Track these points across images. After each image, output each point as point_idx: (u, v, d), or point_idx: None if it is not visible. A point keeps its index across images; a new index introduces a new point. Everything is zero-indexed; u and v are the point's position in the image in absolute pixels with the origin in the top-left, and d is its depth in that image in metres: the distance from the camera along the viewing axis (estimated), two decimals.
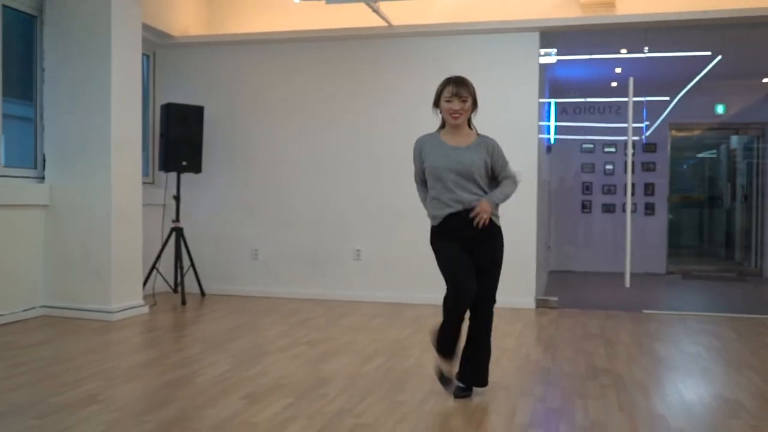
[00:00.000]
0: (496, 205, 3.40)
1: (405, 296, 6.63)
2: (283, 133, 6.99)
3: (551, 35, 6.46)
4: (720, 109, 9.53)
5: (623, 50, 7.19)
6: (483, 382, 3.53)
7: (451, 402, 3.42)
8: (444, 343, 3.45)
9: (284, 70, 7.01)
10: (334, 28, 6.73)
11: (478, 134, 3.48)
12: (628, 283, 6.19)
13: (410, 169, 6.62)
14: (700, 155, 12.24)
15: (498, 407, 3.35)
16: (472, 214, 3.31)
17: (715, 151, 11.78)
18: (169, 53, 7.20)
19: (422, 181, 3.59)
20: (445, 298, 3.43)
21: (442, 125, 3.51)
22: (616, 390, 3.64)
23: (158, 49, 7.14)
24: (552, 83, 8.15)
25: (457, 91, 3.34)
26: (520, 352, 4.61)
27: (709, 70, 7.79)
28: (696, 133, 10.96)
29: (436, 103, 3.44)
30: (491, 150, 3.42)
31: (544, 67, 6.63)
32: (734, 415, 3.22)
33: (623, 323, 5.68)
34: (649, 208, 9.78)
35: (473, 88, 3.40)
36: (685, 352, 4.63)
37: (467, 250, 3.38)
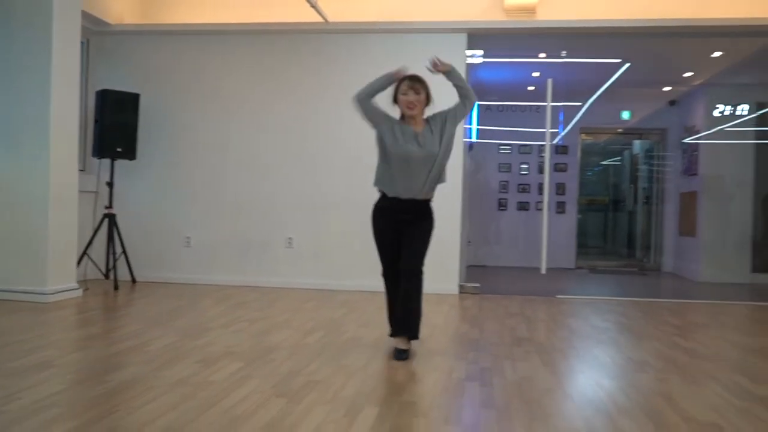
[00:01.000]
0: (451, 70, 3.83)
1: (335, 283, 6.88)
2: (219, 123, 7.13)
3: (478, 37, 6.87)
4: (626, 115, 10.25)
5: (542, 54, 7.69)
6: (415, 333, 3.93)
7: (392, 363, 3.71)
8: (390, 313, 4.13)
9: (221, 61, 7.15)
10: (271, 22, 6.94)
11: (425, 119, 3.88)
12: (544, 270, 6.66)
13: (342, 161, 6.98)
14: (605, 161, 13.06)
15: (436, 366, 3.66)
16: (417, 221, 3.87)
17: (620, 157, 12.60)
18: (104, 40, 7.22)
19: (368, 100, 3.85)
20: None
21: (402, 117, 3.88)
22: (539, 354, 4.02)
23: (93, 35, 7.15)
24: (474, 86, 8.58)
25: (411, 85, 3.75)
26: (449, 328, 4.96)
27: (618, 78, 8.41)
28: (603, 137, 11.69)
29: (394, 99, 3.82)
30: (444, 117, 3.83)
31: (469, 69, 7.04)
32: (642, 370, 3.65)
33: (540, 305, 6.13)
34: (560, 207, 10.39)
35: (427, 85, 3.82)
36: (595, 326, 5.08)
37: (400, 229, 3.87)
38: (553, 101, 9.08)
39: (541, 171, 10.28)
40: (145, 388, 3.07)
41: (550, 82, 6.75)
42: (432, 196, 3.90)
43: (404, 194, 3.78)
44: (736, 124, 8.90)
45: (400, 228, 3.85)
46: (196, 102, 7.16)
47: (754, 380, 3.48)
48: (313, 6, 6.24)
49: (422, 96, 3.76)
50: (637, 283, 8.86)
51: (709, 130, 9.01)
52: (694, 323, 5.33)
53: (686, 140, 9.58)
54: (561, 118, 9.04)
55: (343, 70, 6.94)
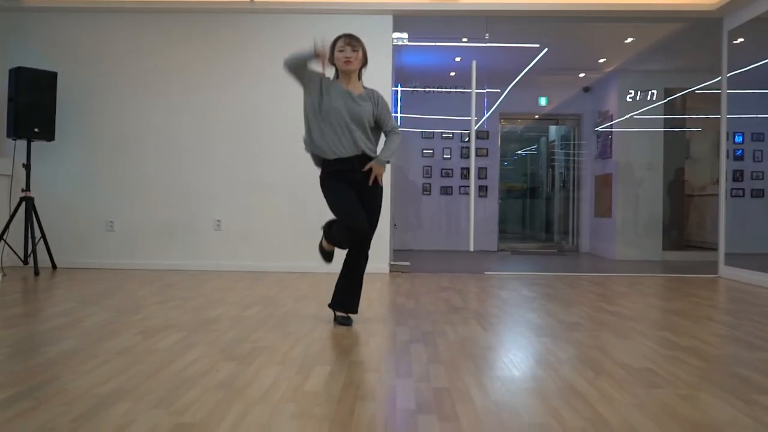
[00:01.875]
0: (386, 163, 3.84)
1: (265, 265, 6.85)
2: (142, 104, 6.96)
3: (403, 19, 6.96)
4: (543, 101, 10.59)
5: (464, 38, 7.85)
6: (355, 309, 4.02)
7: (336, 330, 3.74)
8: (335, 238, 3.94)
9: (143, 40, 6.98)
10: (194, 0, 6.82)
11: (364, 87, 3.88)
12: (472, 247, 6.82)
13: (270, 141, 6.94)
14: (523, 150, 13.43)
15: (379, 332, 3.72)
16: (369, 176, 3.75)
17: (536, 145, 12.98)
18: (17, 17, 6.92)
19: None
20: (333, 231, 3.90)
21: (336, 76, 3.84)
22: (476, 319, 4.14)
23: (3, 12, 6.84)
24: (397, 70, 8.69)
25: (349, 41, 3.73)
26: (385, 300, 5.02)
27: (536, 65, 8.69)
28: (522, 123, 12.03)
29: (330, 57, 3.73)
30: (377, 100, 3.82)
31: (394, 52, 7.12)
32: (576, 329, 3.81)
33: (470, 280, 6.28)
34: (482, 191, 10.63)
35: (363, 44, 3.80)
36: (525, 296, 5.26)
37: (355, 191, 3.76)
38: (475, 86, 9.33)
39: (463, 156, 10.52)
40: (87, 357, 3.00)
41: (474, 64, 6.90)
42: (374, 153, 3.81)
43: (346, 151, 3.68)
44: (646, 110, 9.34)
45: (352, 185, 3.76)
46: (118, 82, 6.96)
47: (677, 334, 3.69)
48: None
49: (359, 54, 3.74)
50: (558, 262, 9.18)
51: (622, 115, 9.42)
52: (615, 292, 5.58)
53: (599, 129, 9.99)
54: (486, 104, 9.24)
55: (266, 50, 6.90)
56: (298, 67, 3.65)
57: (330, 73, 3.81)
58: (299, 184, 6.84)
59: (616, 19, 7.01)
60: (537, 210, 13.11)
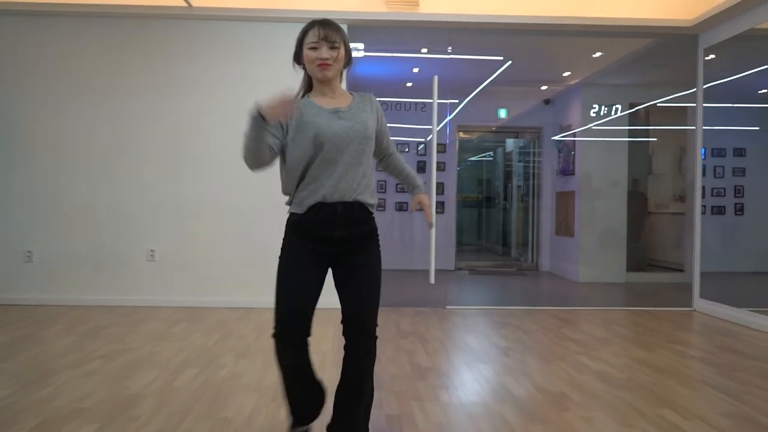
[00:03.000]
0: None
1: (205, 300, 6.18)
2: (64, 118, 6.20)
3: (358, 29, 6.37)
4: (502, 113, 10.12)
5: (424, 49, 7.31)
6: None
7: (281, 415, 3.13)
8: (291, 400, 2.62)
9: (67, 47, 6.22)
10: (127, 3, 6.09)
11: (351, 92, 2.60)
12: (432, 280, 6.27)
13: (211, 161, 6.26)
14: (482, 157, 13.00)
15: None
16: (426, 213, 2.68)
17: (492, 153, 12.55)
18: None
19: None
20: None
21: (308, 88, 2.56)
22: (447, 390, 3.57)
23: None
24: (351, 81, 8.10)
25: (325, 34, 2.41)
26: (339, 354, 4.41)
27: (497, 76, 8.20)
28: (480, 135, 11.56)
29: (297, 57, 2.52)
30: (377, 109, 2.58)
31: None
32: (565, 406, 3.28)
33: (432, 319, 5.73)
34: (439, 207, 10.11)
35: (346, 35, 2.52)
36: (496, 345, 4.72)
37: (327, 261, 2.47)
38: (431, 98, 8.80)
39: (419, 170, 9.98)
40: None
41: (436, 79, 6.35)
42: (372, 201, 2.52)
43: (330, 196, 2.40)
44: (609, 123, 8.95)
45: (329, 259, 2.46)
46: (37, 93, 6.19)
47: (680, 412, 3.20)
48: None
49: (340, 52, 2.45)
50: (520, 285, 8.72)
51: (587, 132, 9.00)
52: (593, 337, 5.09)
53: (556, 137, 9.58)
54: (449, 115, 8.72)
55: (208, 61, 6.24)
56: (259, 146, 2.34)
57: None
58: (244, 206, 6.20)
59: (587, 34, 6.55)
60: (493, 221, 12.68)
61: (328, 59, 2.42)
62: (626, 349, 4.63)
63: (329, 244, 2.43)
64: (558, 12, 6.25)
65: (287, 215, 2.49)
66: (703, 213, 9.28)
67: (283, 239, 2.48)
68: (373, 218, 2.54)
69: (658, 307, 6.55)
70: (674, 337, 5.09)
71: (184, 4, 5.94)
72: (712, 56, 6.53)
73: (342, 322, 2.47)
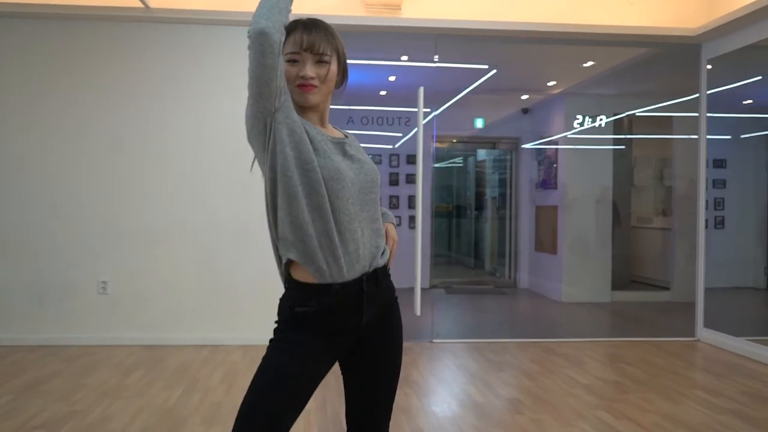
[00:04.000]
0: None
1: (164, 337, 5.51)
2: (2, 133, 5.47)
3: None
4: (479, 123, 9.61)
5: (404, 57, 6.76)
6: None
7: None
8: None
9: (11, 52, 5.49)
10: (76, 4, 5.39)
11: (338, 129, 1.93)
12: (419, 311, 5.70)
13: (170, 182, 5.58)
14: (451, 164, 12.50)
15: None
16: (392, 247, 1.90)
17: (462, 159, 12.06)
18: None
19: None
20: None
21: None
22: None
23: None
24: None
25: (310, 43, 1.73)
26: (326, 412, 3.82)
27: (478, 84, 7.68)
28: (453, 145, 11.06)
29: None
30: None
31: None
32: None
33: (420, 357, 5.17)
34: (413, 222, 9.55)
35: (341, 42, 1.82)
36: (501, 396, 4.17)
37: (339, 355, 1.80)
38: (404, 107, 8.24)
39: (391, 183, 9.43)
40: None
41: (421, 90, 5.79)
42: (386, 261, 1.86)
43: (353, 268, 1.72)
44: (593, 134, 8.51)
45: (340, 353, 1.80)
46: None
47: None
48: None
49: (331, 66, 1.77)
50: (504, 308, 8.26)
51: (567, 140, 8.55)
52: (603, 381, 4.59)
53: (527, 145, 9.12)
54: (436, 125, 8.18)
55: (167, 68, 5.59)
56: (273, 53, 1.59)
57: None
58: (207, 230, 5.54)
59: (584, 42, 6.06)
60: (464, 232, 12.19)
61: (312, 79, 1.73)
62: (648, 400, 4.12)
63: (348, 334, 1.77)
64: (553, 19, 5.75)
65: (285, 292, 1.78)
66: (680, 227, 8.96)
67: (278, 333, 1.75)
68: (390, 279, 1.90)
69: (660, 336, 6.08)
70: (693, 381, 4.61)
71: (140, 6, 5.26)
72: (709, 67, 6.13)
73: (348, 419, 1.86)
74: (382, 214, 1.92)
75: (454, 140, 10.64)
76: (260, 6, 1.62)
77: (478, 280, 10.34)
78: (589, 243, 8.52)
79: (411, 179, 9.50)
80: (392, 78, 7.48)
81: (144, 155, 5.56)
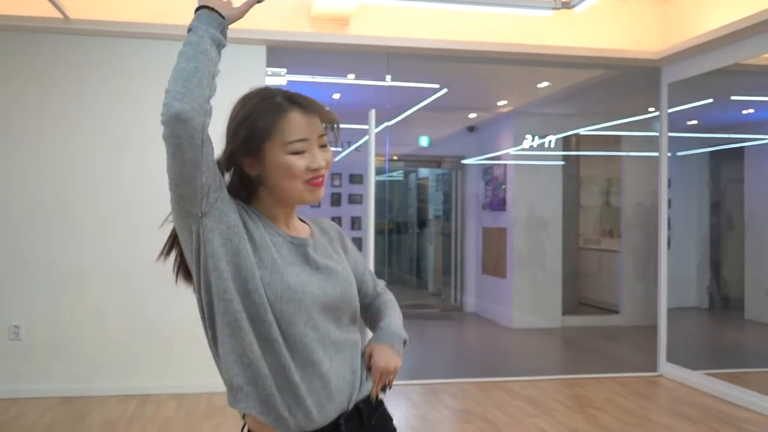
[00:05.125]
0: (402, 347, 1.55)
1: (85, 387, 4.90)
2: None
3: (280, 51, 5.33)
4: (424, 141, 9.26)
5: (351, 75, 6.35)
6: None
7: None
8: None
9: None
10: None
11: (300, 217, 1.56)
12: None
13: (91, 213, 4.98)
14: (389, 177, 12.13)
15: None
16: (373, 376, 1.45)
17: (401, 174, 11.72)
18: None
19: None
20: None
21: (246, 198, 1.45)
22: None
23: None
24: None
25: (316, 127, 1.40)
26: None
27: (427, 103, 7.34)
28: (398, 163, 10.69)
29: (233, 156, 1.38)
30: (346, 241, 1.61)
31: None
32: None
33: None
34: (357, 243, 9.12)
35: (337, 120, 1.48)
36: None
37: None
38: (346, 124, 7.82)
39: (333, 203, 8.99)
40: None
41: (373, 112, 5.36)
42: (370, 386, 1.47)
43: (323, 409, 1.34)
44: (543, 154, 8.28)
45: None
46: None
47: None
48: None
49: (330, 154, 1.45)
50: (453, 337, 7.94)
51: (516, 159, 8.29)
52: (570, 429, 4.25)
53: (468, 161, 8.84)
54: (388, 145, 7.77)
55: (89, 85, 5.01)
56: (204, 63, 1.25)
57: None
58: (132, 270, 4.95)
59: (540, 63, 5.78)
60: (404, 250, 11.84)
61: (322, 168, 1.40)
62: None
63: None
64: (508, 39, 5.42)
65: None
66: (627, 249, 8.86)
67: None
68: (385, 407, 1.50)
69: (621, 372, 5.80)
70: (651, 420, 4.33)
71: (60, 16, 4.66)
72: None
73: None
74: (378, 329, 1.50)
75: (395, 157, 10.29)
76: (172, 79, 1.23)
77: (422, 303, 9.97)
78: (539, 266, 8.27)
79: (354, 199, 9.10)
80: (336, 96, 7.04)
81: (61, 184, 4.94)
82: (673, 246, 6.93)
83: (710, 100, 6.30)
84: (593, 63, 5.72)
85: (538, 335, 7.64)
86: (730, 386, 5.00)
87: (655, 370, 5.81)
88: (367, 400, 1.42)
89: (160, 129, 1.22)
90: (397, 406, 4.76)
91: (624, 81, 6.36)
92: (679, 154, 6.71)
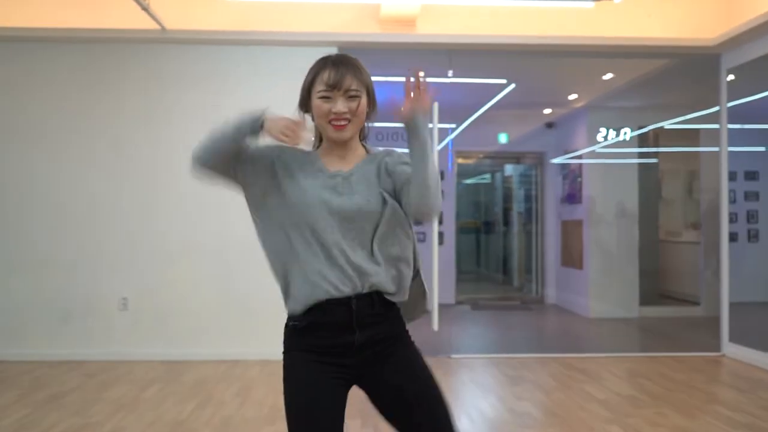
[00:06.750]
0: (420, 128, 1.75)
1: (183, 353, 5.58)
2: (20, 153, 5.64)
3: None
4: (503, 138, 9.58)
5: (421, 73, 6.78)
6: None
7: None
8: None
9: (31, 75, 5.67)
10: (92, 27, 5.54)
11: (369, 151, 1.95)
12: (436, 326, 5.68)
13: (187, 199, 5.68)
14: (480, 180, 12.48)
15: None
16: (407, 101, 1.75)
17: (489, 175, 12.03)
18: None
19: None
20: None
21: (320, 141, 1.94)
22: None
23: None
24: None
25: (338, 81, 1.78)
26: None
27: (498, 99, 7.68)
28: (477, 161, 11.04)
29: (304, 103, 1.88)
30: (392, 167, 1.88)
31: None
32: None
33: (437, 372, 5.13)
34: (439, 238, 9.53)
35: (368, 75, 1.89)
36: (514, 411, 4.13)
37: (350, 377, 1.82)
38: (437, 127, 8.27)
39: None
40: None
41: (435, 105, 5.82)
42: (393, 289, 1.86)
43: (338, 288, 1.77)
44: (617, 148, 8.42)
45: (350, 375, 1.82)
46: None
47: None
48: (145, 9, 4.94)
49: (361, 101, 1.83)
50: (528, 324, 8.18)
51: (591, 154, 8.48)
52: (619, 395, 4.51)
53: (556, 160, 9.06)
54: (449, 141, 8.25)
55: (183, 87, 5.73)
56: (222, 155, 1.84)
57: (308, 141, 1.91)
58: (225, 249, 5.62)
59: (599, 54, 6.04)
60: (492, 248, 12.13)
61: (345, 113, 1.81)
62: (661, 413, 4.04)
63: (346, 354, 1.80)
64: (567, 32, 5.74)
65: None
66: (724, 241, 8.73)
67: (284, 357, 1.84)
68: (399, 313, 1.92)
69: (683, 351, 5.96)
70: (711, 395, 4.52)
71: (157, 27, 5.39)
72: (732, 77, 6.04)
73: None
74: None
75: (481, 156, 10.66)
76: (199, 148, 1.90)
77: (504, 296, 10.26)
78: (615, 257, 8.40)
79: None
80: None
81: (164, 176, 5.66)
82: (764, 240, 6.97)
83: None
84: (651, 53, 5.93)
85: (613, 323, 7.78)
86: None
87: (718, 350, 5.91)
88: (382, 296, 1.83)
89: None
90: (456, 374, 5.15)
91: (690, 71, 6.47)
92: None
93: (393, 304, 1.87)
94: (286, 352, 1.83)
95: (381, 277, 1.81)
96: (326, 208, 1.79)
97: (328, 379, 1.77)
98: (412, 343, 1.90)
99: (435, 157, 1.89)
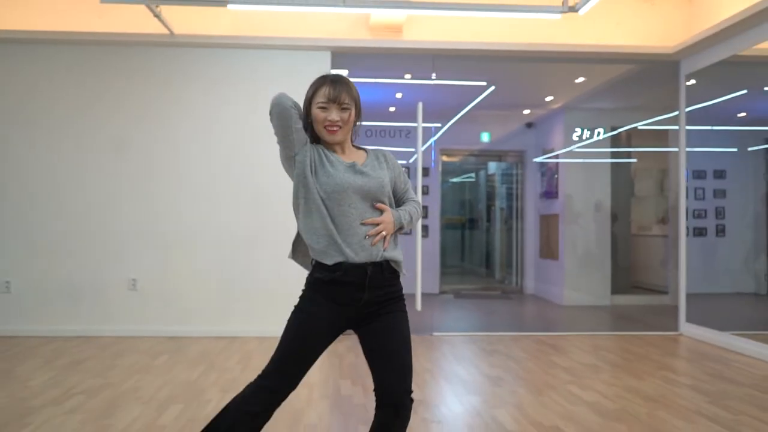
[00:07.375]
0: (400, 227, 2.39)
1: (187, 329, 6.08)
2: (42, 147, 6.11)
3: (342, 56, 6.37)
4: (485, 137, 10.14)
5: (407, 75, 7.32)
6: None
7: None
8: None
9: (48, 75, 6.15)
10: (106, 32, 6.03)
11: (366, 149, 2.51)
12: (419, 306, 6.21)
13: (192, 188, 6.20)
14: (465, 178, 13.02)
15: None
16: (370, 231, 2.32)
17: (474, 176, 12.57)
18: None
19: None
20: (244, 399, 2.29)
21: (317, 140, 2.44)
22: (440, 425, 3.51)
23: None
24: None
25: (335, 95, 2.31)
26: (328, 386, 4.34)
27: (480, 100, 8.23)
28: (462, 158, 11.59)
29: (307, 111, 2.38)
30: (392, 164, 2.48)
31: None
32: None
33: (418, 347, 5.66)
34: (424, 231, 10.08)
35: (357, 92, 2.41)
36: (487, 375, 4.66)
37: (348, 324, 2.35)
38: (414, 122, 8.79)
39: None
40: None
41: (420, 105, 6.34)
42: (401, 258, 2.41)
43: (357, 255, 2.28)
44: (592, 147, 8.99)
45: (348, 322, 2.34)
46: (14, 121, 6.10)
47: None
48: (157, 15, 5.44)
49: (351, 114, 2.35)
50: (505, 309, 8.70)
51: (572, 154, 9.04)
52: (581, 364, 5.06)
53: (537, 159, 9.62)
54: (432, 139, 8.74)
55: (190, 89, 6.20)
56: (289, 117, 2.30)
57: None
58: (225, 236, 6.13)
59: (570, 59, 6.59)
60: (476, 243, 12.66)
61: (337, 121, 2.32)
62: (617, 377, 4.60)
63: (352, 307, 2.32)
64: (540, 39, 6.29)
65: (311, 270, 2.37)
66: (687, 234, 9.30)
67: (305, 294, 2.34)
68: (399, 280, 2.45)
69: (645, 331, 6.54)
70: (663, 364, 5.07)
71: (166, 32, 5.89)
72: (693, 81, 6.60)
73: (376, 390, 2.33)
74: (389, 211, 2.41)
75: (466, 153, 11.20)
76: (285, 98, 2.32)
77: (486, 287, 10.81)
78: (589, 249, 8.97)
79: (423, 190, 10.03)
80: (399, 95, 8.04)
81: (169, 168, 6.16)
82: (730, 234, 7.52)
83: (744, 91, 6.87)
84: (617, 59, 6.49)
85: (585, 310, 8.33)
86: (744, 341, 5.62)
87: (676, 330, 6.48)
88: (391, 266, 2.37)
89: (256, 124, 2.27)
90: (437, 348, 5.68)
91: (652, 76, 7.03)
92: (750, 149, 7.27)
93: (397, 271, 2.40)
94: (307, 293, 2.34)
95: (393, 249, 2.38)
96: (357, 190, 2.31)
97: (331, 316, 2.29)
98: (404, 310, 2.42)
99: (419, 210, 2.51)
